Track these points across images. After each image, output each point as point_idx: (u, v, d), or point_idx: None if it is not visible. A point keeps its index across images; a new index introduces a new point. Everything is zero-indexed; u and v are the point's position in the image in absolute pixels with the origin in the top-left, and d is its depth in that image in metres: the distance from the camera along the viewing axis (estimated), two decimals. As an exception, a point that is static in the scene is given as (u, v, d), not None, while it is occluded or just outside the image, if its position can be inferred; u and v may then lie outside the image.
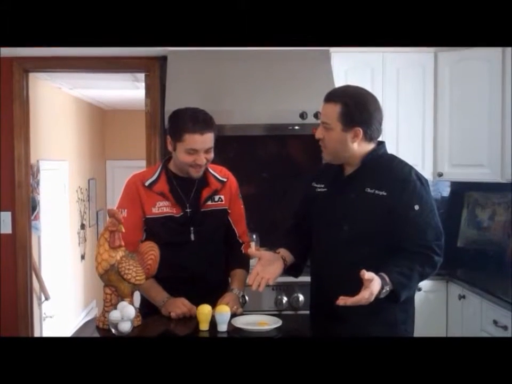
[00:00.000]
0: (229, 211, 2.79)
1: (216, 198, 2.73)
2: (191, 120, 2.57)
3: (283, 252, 2.55)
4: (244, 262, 2.82)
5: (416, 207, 2.34)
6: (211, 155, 2.64)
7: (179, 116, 2.65)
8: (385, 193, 2.36)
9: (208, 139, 2.59)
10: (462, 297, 3.69)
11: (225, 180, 2.78)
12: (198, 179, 2.69)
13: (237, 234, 2.83)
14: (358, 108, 2.37)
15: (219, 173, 2.78)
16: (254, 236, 4.03)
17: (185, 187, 2.69)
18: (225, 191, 2.77)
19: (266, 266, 2.45)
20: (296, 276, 2.65)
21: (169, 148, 2.67)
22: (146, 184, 2.66)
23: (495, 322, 3.28)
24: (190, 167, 2.61)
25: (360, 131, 2.38)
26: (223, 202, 2.75)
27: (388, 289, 2.23)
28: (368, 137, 2.41)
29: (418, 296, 3.53)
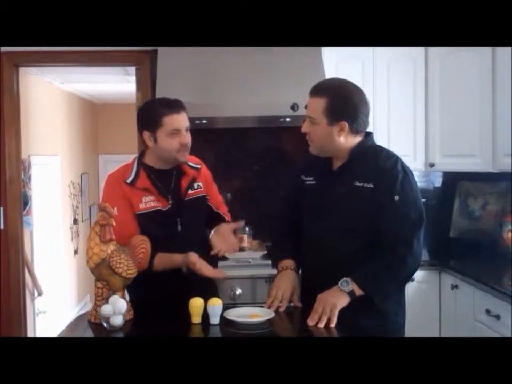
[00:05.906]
0: (208, 197, 2.83)
1: (195, 185, 2.76)
2: (164, 104, 2.64)
3: (290, 263, 2.57)
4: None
5: (396, 198, 2.34)
6: (190, 136, 2.67)
7: (149, 107, 2.72)
8: (372, 186, 2.36)
9: (185, 117, 2.65)
10: (454, 287, 3.70)
11: (199, 166, 2.81)
12: (174, 170, 2.71)
13: (221, 214, 2.89)
14: (343, 102, 2.36)
15: (192, 161, 2.79)
16: (247, 229, 4.01)
17: (163, 179, 2.70)
18: (201, 178, 2.80)
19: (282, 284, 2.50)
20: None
21: (149, 143, 2.65)
22: (128, 181, 2.64)
23: (487, 311, 3.29)
24: (177, 152, 2.62)
25: (346, 125, 2.37)
26: (202, 189, 2.79)
27: (348, 285, 2.29)
28: (355, 130, 2.40)
29: (411, 287, 3.56)
